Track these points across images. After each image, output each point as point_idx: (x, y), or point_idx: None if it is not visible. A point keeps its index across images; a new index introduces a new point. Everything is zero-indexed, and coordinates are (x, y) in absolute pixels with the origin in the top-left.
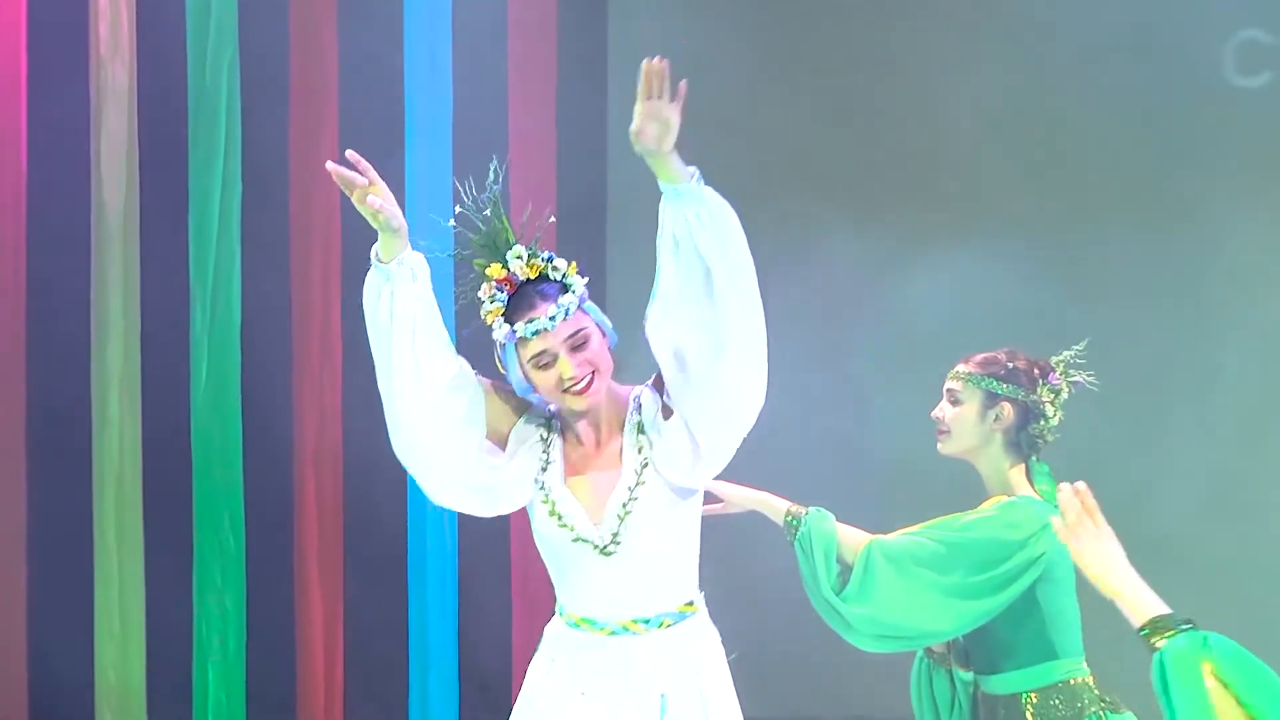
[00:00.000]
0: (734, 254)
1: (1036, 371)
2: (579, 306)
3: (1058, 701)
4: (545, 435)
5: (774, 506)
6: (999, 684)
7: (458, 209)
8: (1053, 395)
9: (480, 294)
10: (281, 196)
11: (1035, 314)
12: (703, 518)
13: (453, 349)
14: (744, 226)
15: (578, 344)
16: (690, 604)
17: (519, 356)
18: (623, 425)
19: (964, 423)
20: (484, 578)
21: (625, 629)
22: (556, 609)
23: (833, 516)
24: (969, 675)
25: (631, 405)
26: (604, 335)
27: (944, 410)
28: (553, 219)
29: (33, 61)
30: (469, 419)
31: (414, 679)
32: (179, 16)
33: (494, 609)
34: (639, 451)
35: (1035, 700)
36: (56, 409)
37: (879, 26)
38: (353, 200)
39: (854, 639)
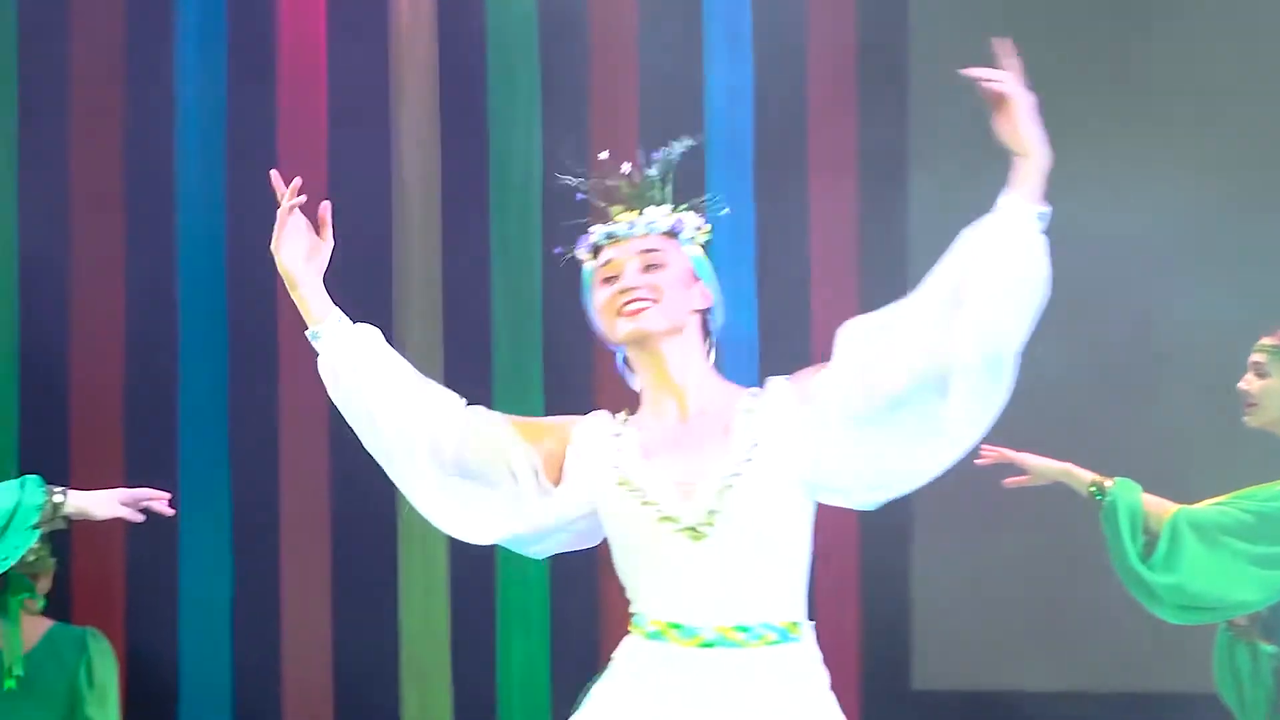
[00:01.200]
0: (1018, 310)
1: None
2: (672, 234)
3: None
4: (618, 432)
5: (1078, 477)
6: None
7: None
8: None
9: (593, 229)
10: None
11: None
12: (1007, 491)
13: (440, 405)
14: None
15: (650, 263)
16: (796, 625)
17: (594, 281)
18: (723, 409)
19: (1273, 395)
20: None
21: (721, 638)
22: (632, 623)
23: (1139, 486)
24: (1272, 648)
25: (747, 391)
26: (702, 291)
27: (1251, 383)
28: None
29: (332, 30)
30: (489, 459)
31: None
32: None
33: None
34: (751, 431)
35: None
36: None
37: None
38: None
39: (1159, 610)
